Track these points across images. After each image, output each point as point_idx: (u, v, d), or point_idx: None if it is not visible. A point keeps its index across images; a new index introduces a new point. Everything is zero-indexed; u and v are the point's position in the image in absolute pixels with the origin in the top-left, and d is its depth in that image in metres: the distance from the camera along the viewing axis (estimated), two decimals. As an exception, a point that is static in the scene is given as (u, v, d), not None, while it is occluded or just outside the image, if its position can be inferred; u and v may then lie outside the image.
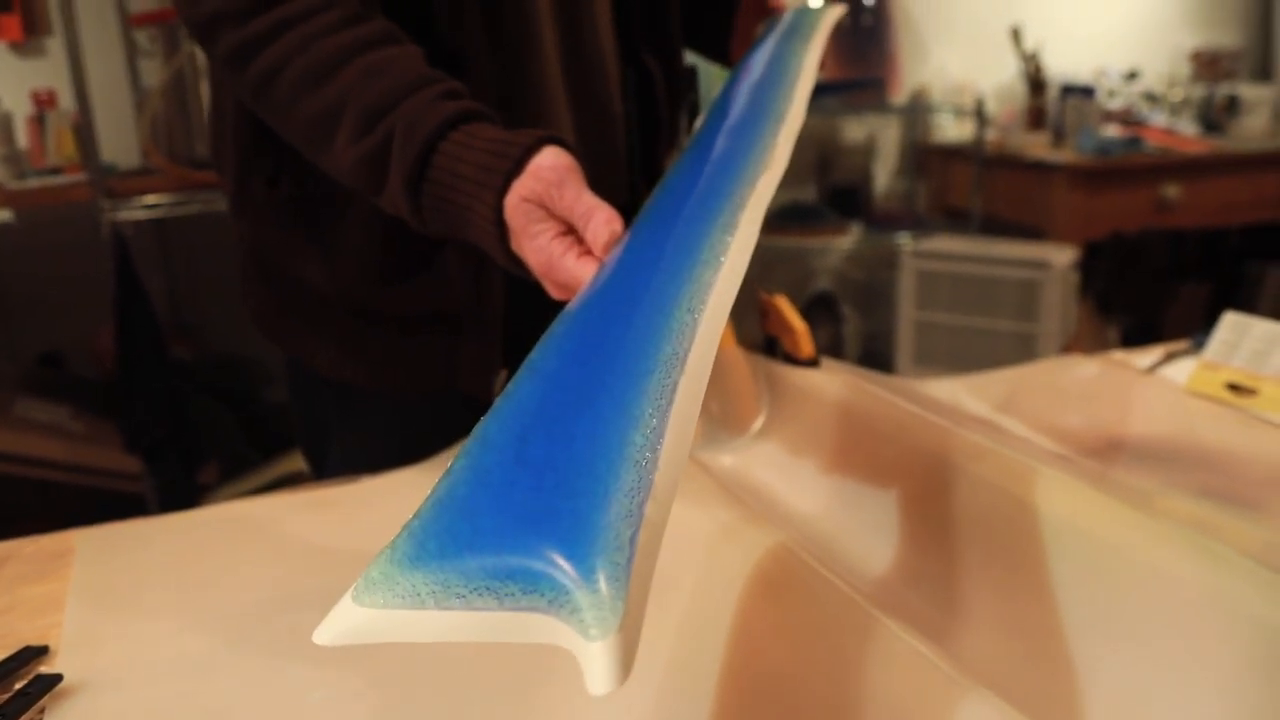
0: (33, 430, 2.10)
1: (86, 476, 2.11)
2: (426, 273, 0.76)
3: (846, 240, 3.01)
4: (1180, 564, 0.52)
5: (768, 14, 0.85)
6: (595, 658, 0.29)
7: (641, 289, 0.47)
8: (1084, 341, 2.75)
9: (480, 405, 0.80)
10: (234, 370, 2.39)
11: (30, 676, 0.51)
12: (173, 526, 0.69)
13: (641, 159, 0.87)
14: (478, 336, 0.78)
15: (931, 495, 0.63)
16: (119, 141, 2.30)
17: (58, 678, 0.50)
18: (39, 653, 0.53)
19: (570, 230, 0.58)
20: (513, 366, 0.81)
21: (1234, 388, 0.88)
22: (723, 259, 0.48)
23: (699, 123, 0.68)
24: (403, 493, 0.73)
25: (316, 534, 0.66)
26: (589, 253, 0.56)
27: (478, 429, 0.39)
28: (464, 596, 0.32)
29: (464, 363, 0.79)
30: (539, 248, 0.57)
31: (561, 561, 0.32)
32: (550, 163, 0.58)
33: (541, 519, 0.34)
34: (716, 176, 0.56)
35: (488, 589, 0.32)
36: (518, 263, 0.60)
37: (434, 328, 0.78)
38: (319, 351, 0.81)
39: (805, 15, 0.78)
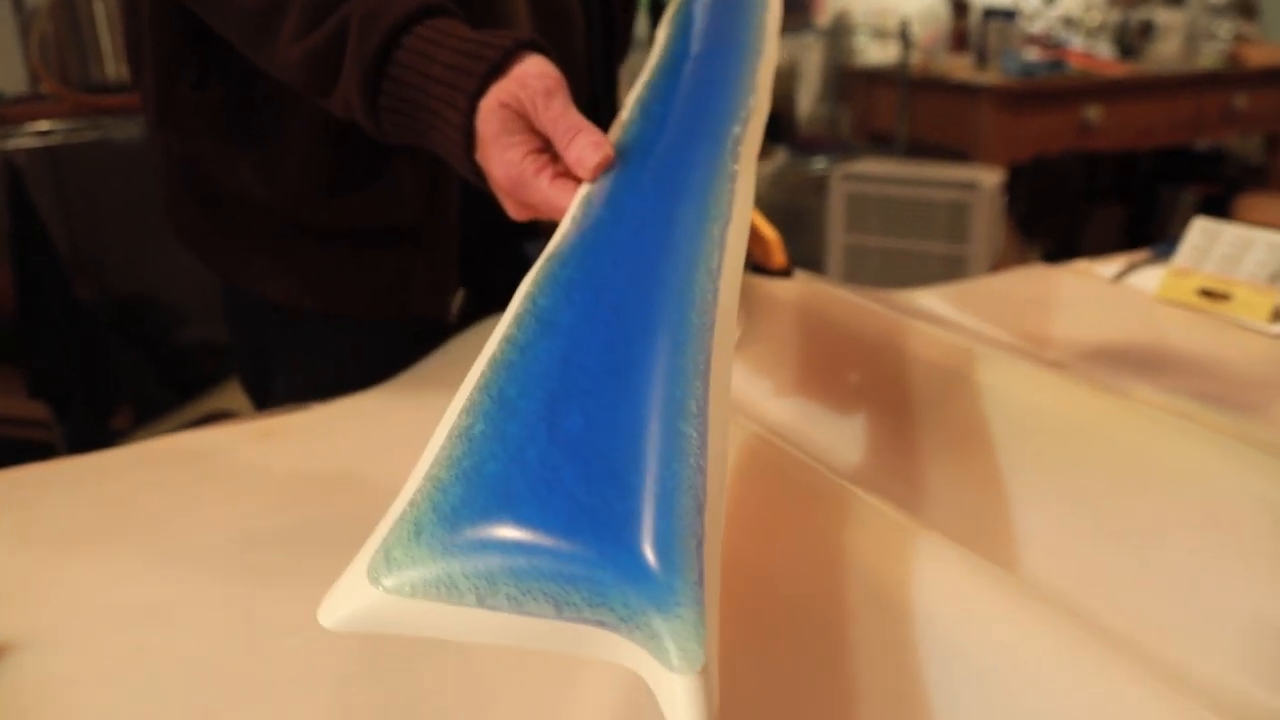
0: (-75, 378, 1.96)
1: (-12, 424, 1.99)
2: (377, 182, 0.69)
3: (770, 165, 2.97)
4: (1168, 445, 0.52)
5: None
6: (681, 693, 0.27)
7: (651, 240, 0.43)
8: (1010, 263, 2.77)
9: (435, 328, 0.76)
10: (143, 308, 2.26)
11: (-43, 635, 0.45)
12: (105, 465, 0.63)
13: (601, 65, 0.81)
14: (432, 253, 0.72)
15: (929, 401, 0.60)
16: (4, 66, 2.13)
17: (-10, 635, 0.45)
18: (-35, 608, 0.47)
19: (544, 149, 0.52)
20: (470, 287, 0.77)
21: (1206, 293, 0.86)
22: (730, 212, 0.45)
23: (660, 35, 0.63)
24: (357, 420, 0.68)
25: (270, 466, 0.61)
26: (564, 174, 0.50)
27: (487, 382, 0.34)
28: (515, 599, 0.28)
29: (418, 282, 0.73)
30: (509, 161, 0.51)
31: (632, 575, 0.28)
32: (538, 70, 0.52)
33: (600, 521, 0.30)
34: (704, 114, 0.53)
35: (544, 593, 0.28)
36: (480, 174, 0.54)
37: (386, 243, 0.72)
38: (260, 273, 0.74)
39: None
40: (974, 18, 3.24)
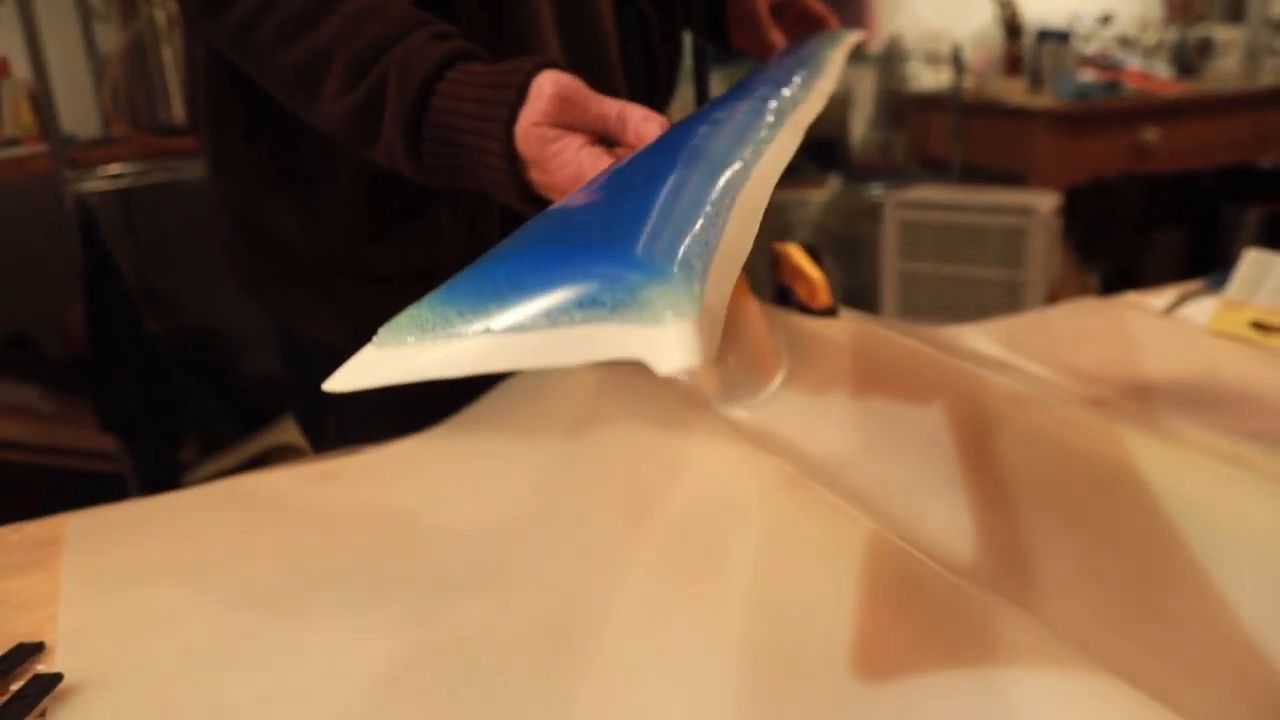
0: (1, 413, 2.03)
1: (61, 458, 2.05)
2: (417, 225, 0.72)
3: (824, 192, 2.98)
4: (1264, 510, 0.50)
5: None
6: (667, 338, 0.27)
7: (693, 144, 0.46)
8: (1067, 289, 2.73)
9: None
10: (210, 343, 2.32)
11: (27, 676, 0.47)
12: (170, 506, 0.65)
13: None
14: (476, 289, 0.74)
15: (977, 448, 0.60)
16: (78, 110, 2.21)
17: (57, 677, 0.46)
18: (34, 650, 0.49)
19: (594, 143, 0.55)
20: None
21: (1259, 326, 0.85)
22: (773, 137, 0.48)
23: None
24: (414, 463, 0.69)
25: (324, 508, 0.63)
26: None
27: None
28: (509, 321, 0.29)
29: None
30: (566, 161, 0.54)
31: (625, 272, 0.29)
32: (554, 79, 0.55)
33: (602, 246, 0.31)
34: (759, 97, 0.56)
35: (537, 309, 0.29)
36: (532, 198, 0.57)
37: (429, 282, 0.74)
38: (309, 317, 0.76)
39: (831, 35, 0.83)
40: (1028, 40, 3.22)
